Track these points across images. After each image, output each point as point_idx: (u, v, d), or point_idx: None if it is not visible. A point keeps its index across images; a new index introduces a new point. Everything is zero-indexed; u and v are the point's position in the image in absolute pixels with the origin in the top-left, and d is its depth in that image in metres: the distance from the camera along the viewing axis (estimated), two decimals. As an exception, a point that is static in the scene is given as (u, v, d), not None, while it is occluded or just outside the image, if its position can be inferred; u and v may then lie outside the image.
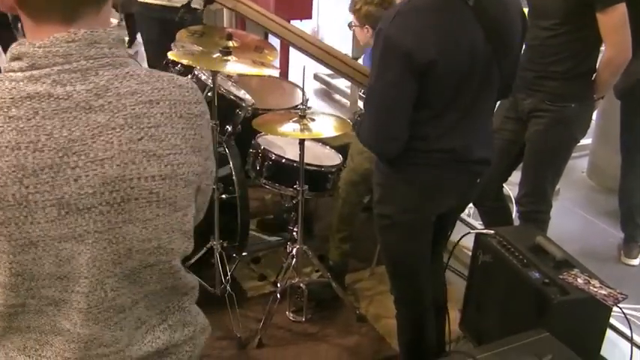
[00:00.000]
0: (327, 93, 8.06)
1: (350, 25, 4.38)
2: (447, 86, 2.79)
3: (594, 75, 3.95)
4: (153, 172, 1.50)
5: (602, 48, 3.93)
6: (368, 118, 2.90)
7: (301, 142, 3.94)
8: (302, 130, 3.84)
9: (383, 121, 2.85)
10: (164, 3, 5.79)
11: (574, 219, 5.69)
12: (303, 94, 4.15)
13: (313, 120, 3.92)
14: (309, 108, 4.00)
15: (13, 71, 1.44)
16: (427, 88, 2.75)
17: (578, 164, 6.39)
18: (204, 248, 4.20)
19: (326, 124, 3.98)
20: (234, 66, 3.82)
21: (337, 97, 7.99)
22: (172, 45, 4.63)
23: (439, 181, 3.03)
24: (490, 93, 2.99)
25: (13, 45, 1.48)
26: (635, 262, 5.13)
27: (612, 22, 3.73)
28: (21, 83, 1.43)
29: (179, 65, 4.36)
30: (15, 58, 1.46)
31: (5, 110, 1.41)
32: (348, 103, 7.40)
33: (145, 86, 1.51)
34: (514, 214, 4.50)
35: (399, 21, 2.70)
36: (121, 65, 1.50)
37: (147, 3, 5.89)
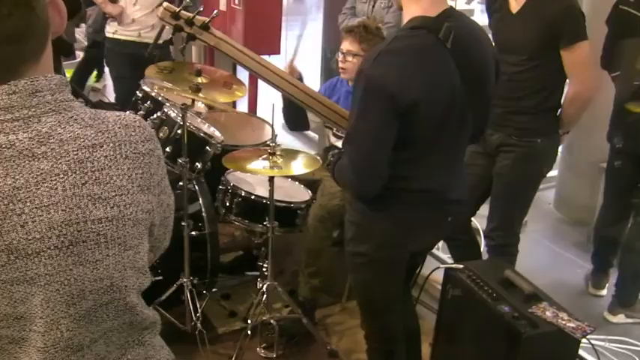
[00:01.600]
0: (295, 127, 8.07)
1: (333, 60, 4.40)
2: (428, 127, 2.81)
3: (559, 110, 4.01)
4: (99, 215, 1.51)
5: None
6: (348, 157, 2.89)
7: (271, 179, 3.95)
8: (272, 168, 3.85)
9: (363, 161, 2.85)
10: (134, 39, 5.82)
11: (542, 250, 5.73)
12: (273, 131, 4.16)
13: (283, 157, 3.93)
14: (278, 145, 4.01)
15: None
16: (408, 128, 2.77)
17: (545, 196, 6.44)
18: (175, 285, 4.17)
19: (296, 161, 4.00)
20: (205, 97, 3.87)
21: (306, 132, 8.00)
22: (142, 81, 4.65)
23: (417, 220, 3.05)
24: (465, 135, 3.02)
25: None
26: (603, 292, 5.16)
27: (577, 58, 3.81)
28: None
29: (148, 102, 4.35)
30: None
31: None
32: (317, 137, 7.41)
33: (88, 130, 1.52)
34: (482, 248, 4.54)
35: (381, 61, 2.72)
36: (64, 110, 1.51)
37: (116, 39, 5.92)
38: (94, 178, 1.50)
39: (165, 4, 3.43)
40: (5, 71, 1.47)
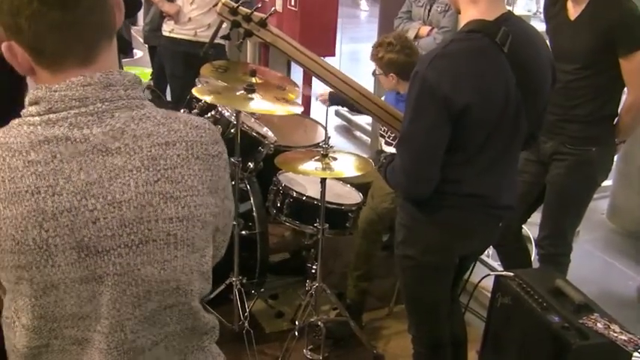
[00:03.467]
0: (348, 130, 8.10)
1: (374, 73, 4.41)
2: (481, 131, 2.80)
3: (616, 119, 3.96)
4: (170, 214, 1.50)
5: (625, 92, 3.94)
6: (401, 160, 2.90)
7: (322, 180, 3.95)
8: (324, 169, 3.85)
9: (416, 164, 2.85)
10: (189, 38, 5.86)
11: (593, 261, 5.66)
12: (326, 134, 4.16)
13: (335, 159, 3.93)
14: (331, 147, 4.01)
15: (32, 115, 1.46)
16: (461, 132, 2.76)
17: (599, 206, 6.35)
18: (224, 284, 4.19)
19: (348, 163, 3.99)
20: (258, 104, 3.85)
21: (358, 134, 8.03)
22: (197, 80, 4.68)
23: (466, 225, 3.04)
24: (518, 140, 3.00)
25: (31, 90, 1.49)
26: None
27: (635, 67, 3.75)
28: (39, 127, 1.44)
29: (203, 100, 4.39)
30: (32, 102, 1.47)
31: (24, 154, 1.42)
32: (369, 140, 7.43)
33: (161, 128, 1.52)
34: (533, 256, 4.49)
35: (436, 65, 2.71)
36: (137, 107, 1.52)
37: (172, 37, 5.97)
38: (166, 175, 1.50)
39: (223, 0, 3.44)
40: (89, 49, 1.48)
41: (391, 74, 4.27)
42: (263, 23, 3.30)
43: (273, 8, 3.59)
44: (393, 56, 4.23)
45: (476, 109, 2.70)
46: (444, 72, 2.70)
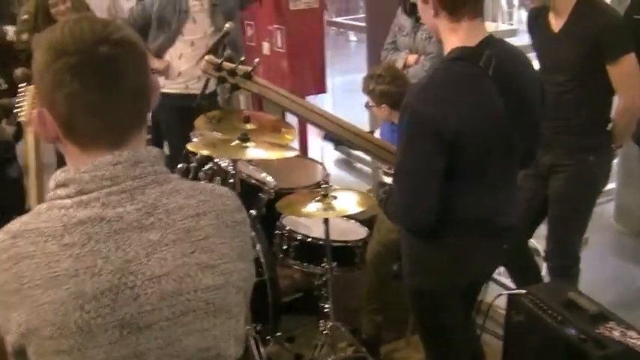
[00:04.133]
0: (348, 162, 8.11)
1: (367, 106, 4.44)
2: (475, 156, 2.82)
3: (610, 125, 3.97)
4: (208, 283, 1.53)
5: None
6: (398, 193, 2.92)
7: (326, 220, 3.96)
8: (325, 210, 3.87)
9: (413, 196, 2.87)
10: (181, 91, 5.88)
11: (606, 266, 5.63)
12: (324, 172, 4.19)
13: (336, 197, 3.94)
14: (330, 186, 4.03)
15: (61, 198, 1.49)
16: (456, 159, 2.78)
17: (606, 210, 6.33)
18: (238, 334, 4.17)
19: (349, 200, 4.00)
20: (254, 152, 3.87)
21: (359, 165, 8.03)
22: (191, 134, 4.70)
23: (470, 250, 3.04)
24: (514, 161, 3.03)
25: (57, 172, 1.52)
26: None
27: (623, 72, 3.79)
28: (71, 210, 1.47)
29: (198, 154, 4.41)
30: (60, 185, 1.50)
31: (59, 238, 1.44)
32: (370, 170, 7.44)
33: (191, 200, 1.56)
34: (543, 270, 4.49)
35: (425, 95, 2.75)
36: (165, 182, 1.55)
37: (164, 93, 5.97)
38: (201, 246, 1.53)
39: (207, 56, 3.49)
40: (117, 135, 1.52)
41: (383, 105, 4.29)
42: (248, 76, 3.34)
43: (256, 60, 3.62)
44: (384, 88, 4.25)
45: (467, 135, 2.73)
46: (432, 102, 2.73)
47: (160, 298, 1.48)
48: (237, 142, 3.88)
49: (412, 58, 5.07)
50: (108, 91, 1.47)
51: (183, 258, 1.51)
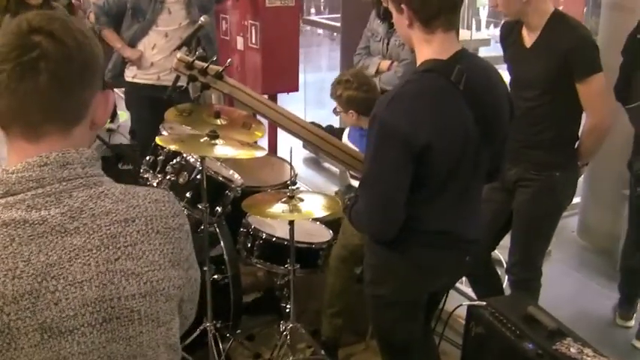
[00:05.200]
0: (316, 161, 8.10)
1: (335, 111, 4.44)
2: (442, 169, 2.82)
3: (577, 142, 4.00)
4: (132, 291, 1.51)
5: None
6: (364, 201, 2.91)
7: (291, 222, 3.96)
8: (291, 211, 3.85)
9: (379, 205, 2.87)
10: (153, 82, 5.85)
11: (567, 279, 5.67)
12: (292, 174, 4.17)
13: (302, 200, 3.93)
14: (297, 188, 4.02)
15: None
16: (423, 171, 2.78)
17: (569, 223, 6.37)
18: (198, 330, 4.17)
19: (315, 203, 3.99)
20: (222, 149, 3.86)
21: (326, 165, 8.03)
22: (161, 126, 4.68)
23: (434, 262, 3.05)
24: (480, 175, 3.03)
25: None
26: (631, 323, 5.06)
27: (592, 90, 3.81)
28: None
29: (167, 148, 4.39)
30: None
31: None
32: (338, 171, 7.45)
33: (119, 205, 1.53)
34: (505, 282, 4.52)
35: (394, 106, 2.74)
36: (95, 185, 1.53)
37: (136, 83, 5.95)
38: (126, 253, 1.51)
39: (178, 54, 3.47)
40: (30, 127, 1.50)
41: (351, 111, 4.29)
42: (219, 75, 3.33)
43: (229, 60, 3.61)
44: (352, 93, 4.25)
45: (436, 148, 2.73)
46: (402, 113, 2.73)
47: (83, 304, 1.47)
48: (205, 139, 3.85)
49: (385, 64, 5.06)
50: (23, 79, 1.45)
51: (107, 264, 1.49)
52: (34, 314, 1.43)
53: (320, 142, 3.42)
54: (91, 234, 1.49)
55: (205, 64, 3.35)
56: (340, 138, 4.26)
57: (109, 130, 8.38)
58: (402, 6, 2.80)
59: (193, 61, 3.35)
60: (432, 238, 2.98)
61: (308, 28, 12.86)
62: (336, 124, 5.99)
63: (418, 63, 2.89)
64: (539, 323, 3.23)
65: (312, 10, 15.24)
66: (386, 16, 4.92)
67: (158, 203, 1.60)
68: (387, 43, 5.05)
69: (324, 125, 5.06)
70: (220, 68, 3.38)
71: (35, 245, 1.45)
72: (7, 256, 1.42)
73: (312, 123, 4.68)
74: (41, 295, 1.43)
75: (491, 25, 13.87)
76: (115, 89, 8.31)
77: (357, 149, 3.68)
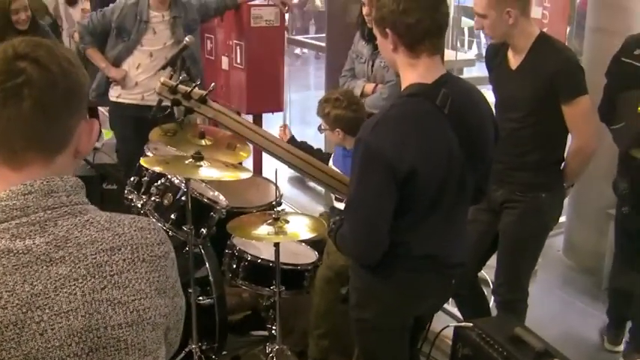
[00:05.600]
0: (301, 181, 8.07)
1: (320, 129, 4.43)
2: (427, 193, 2.81)
3: (563, 164, 4.01)
4: (119, 320, 1.50)
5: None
6: (348, 226, 2.91)
7: (276, 244, 3.93)
8: (277, 233, 3.83)
9: (364, 230, 2.86)
10: (137, 102, 5.84)
11: (553, 299, 5.66)
12: (277, 195, 4.16)
13: (287, 222, 3.91)
14: (282, 210, 4.00)
15: None
16: (408, 196, 2.77)
17: (554, 243, 6.35)
18: (183, 352, 4.14)
19: (301, 225, 3.98)
20: (207, 171, 3.84)
21: (312, 184, 8.00)
22: (145, 147, 4.65)
23: (420, 285, 3.04)
24: (465, 198, 3.03)
25: None
26: (620, 348, 5.00)
27: (577, 113, 3.81)
28: None
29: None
30: None
31: None
32: (323, 191, 7.43)
33: (105, 233, 1.52)
34: (491, 302, 4.51)
35: (379, 130, 2.74)
36: (80, 213, 1.52)
37: (120, 102, 5.94)
38: (112, 282, 1.50)
39: (162, 78, 3.46)
40: (10, 152, 1.49)
41: (337, 130, 4.29)
42: (203, 99, 3.32)
43: (213, 84, 3.60)
44: (340, 112, 4.25)
45: (421, 172, 2.72)
46: (387, 138, 2.72)
47: (69, 334, 1.45)
48: (190, 161, 3.84)
49: (369, 87, 5.05)
50: (6, 105, 1.45)
51: (93, 294, 1.48)
52: (19, 345, 1.41)
53: (304, 165, 3.41)
54: (76, 263, 1.48)
55: (189, 89, 3.34)
56: (327, 163, 4.26)
57: (94, 149, 8.34)
58: (387, 30, 2.80)
59: (177, 85, 3.34)
60: (416, 262, 2.97)
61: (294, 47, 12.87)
62: (321, 143, 5.98)
63: (403, 87, 2.89)
64: (526, 344, 3.21)
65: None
66: (370, 38, 4.93)
67: (143, 231, 1.59)
68: (372, 65, 5.05)
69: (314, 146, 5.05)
70: (204, 92, 3.37)
71: (20, 275, 1.43)
72: None
73: (303, 142, 4.69)
74: (26, 325, 1.42)
75: (473, 44, 13.97)
76: (100, 108, 8.33)
77: (340, 172, 3.68)
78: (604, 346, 5.08)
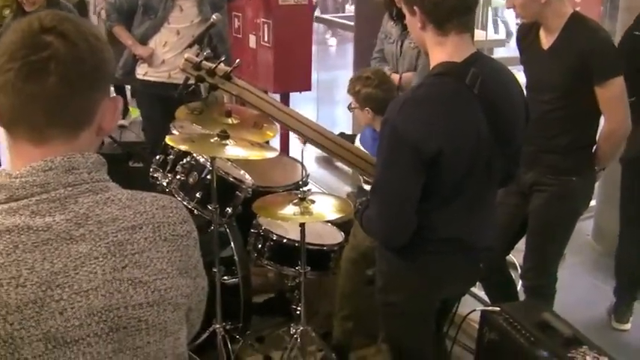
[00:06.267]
0: (329, 160, 8.04)
1: (350, 107, 4.39)
2: (454, 175, 2.77)
3: (595, 147, 3.94)
4: (140, 300, 1.48)
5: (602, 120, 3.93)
6: (375, 208, 2.88)
7: (302, 225, 3.91)
8: (302, 214, 3.80)
9: (390, 212, 2.83)
10: (163, 80, 5.82)
11: (581, 284, 5.60)
12: (303, 175, 4.13)
13: (314, 202, 3.88)
14: (308, 190, 3.97)
15: None
16: (434, 178, 2.74)
17: (583, 227, 6.27)
18: (207, 331, 4.14)
19: (327, 205, 3.95)
20: (233, 150, 3.82)
21: (339, 164, 7.98)
22: (171, 125, 4.64)
23: (446, 269, 3.01)
24: (493, 181, 2.98)
25: None
26: (627, 326, 5.02)
27: (611, 95, 3.74)
28: (0, 217, 1.41)
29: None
30: None
31: None
32: (350, 171, 7.40)
33: (126, 211, 1.50)
34: (519, 286, 4.46)
35: (406, 111, 2.70)
36: (101, 190, 1.50)
37: (146, 80, 5.93)
38: (134, 261, 1.48)
39: (186, 55, 3.43)
40: (36, 130, 1.47)
41: (367, 109, 4.24)
42: (228, 76, 3.29)
43: (237, 60, 3.57)
44: (371, 91, 4.20)
45: (448, 153, 2.68)
46: (414, 118, 2.68)
47: (89, 314, 1.43)
48: (216, 139, 3.81)
49: (395, 77, 4.98)
50: (30, 79, 1.43)
51: (113, 273, 1.45)
52: (39, 324, 1.39)
53: (332, 145, 3.37)
54: (97, 241, 1.45)
55: (213, 65, 3.30)
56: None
57: (121, 127, 8.38)
58: (415, 8, 2.76)
59: (201, 61, 3.31)
60: (443, 245, 2.93)
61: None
62: (348, 124, 5.94)
63: (431, 66, 2.84)
64: (554, 330, 3.18)
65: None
66: (399, 18, 4.86)
67: (165, 210, 1.57)
68: (401, 45, 4.99)
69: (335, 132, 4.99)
70: (229, 69, 3.34)
71: (39, 252, 1.41)
72: (11, 264, 1.39)
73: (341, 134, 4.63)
74: (45, 304, 1.40)
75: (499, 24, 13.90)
76: (126, 86, 8.35)
77: (368, 153, 3.63)
78: (611, 324, 5.07)
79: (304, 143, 4.36)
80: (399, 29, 4.98)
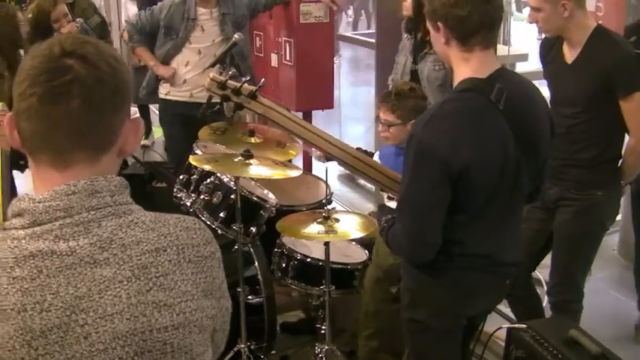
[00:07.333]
0: (351, 178, 8.04)
1: (384, 123, 4.15)
2: (481, 191, 2.77)
3: (620, 161, 3.91)
4: (165, 323, 1.47)
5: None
6: (401, 224, 2.87)
7: (326, 244, 3.90)
8: (327, 232, 3.79)
9: (417, 228, 2.82)
10: (185, 99, 5.85)
11: (607, 300, 5.55)
12: (327, 193, 4.11)
13: (338, 220, 3.87)
14: (332, 209, 3.96)
15: (15, 228, 1.43)
16: (461, 193, 2.73)
17: (610, 241, 6.22)
18: (232, 351, 4.13)
19: (351, 223, 3.93)
20: (257, 169, 3.83)
21: (362, 182, 7.96)
22: (194, 145, 4.65)
23: (473, 286, 2.99)
24: (520, 196, 2.97)
25: (14, 201, 1.47)
26: None
27: (635, 107, 3.72)
28: (23, 241, 1.41)
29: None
30: (16, 214, 1.45)
31: (9, 271, 1.39)
32: (373, 188, 7.38)
33: (150, 234, 1.49)
34: (545, 302, 4.43)
35: (431, 126, 2.70)
36: (124, 213, 1.49)
37: (169, 99, 5.96)
38: (158, 284, 1.47)
39: (211, 74, 3.44)
40: (58, 154, 1.47)
41: (413, 121, 4.00)
42: (253, 95, 3.29)
43: (262, 80, 3.58)
44: (418, 102, 4.09)
45: (475, 169, 2.67)
46: (440, 134, 2.68)
47: (113, 338, 1.42)
48: (240, 158, 3.81)
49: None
50: (54, 103, 1.43)
51: (138, 296, 1.45)
52: (63, 348, 1.39)
53: (355, 162, 3.37)
54: (121, 265, 1.45)
55: (239, 84, 3.31)
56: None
57: (144, 147, 8.40)
58: (439, 24, 2.76)
59: (226, 80, 3.32)
60: (470, 261, 2.92)
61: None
62: (369, 141, 5.90)
63: (456, 82, 2.84)
64: (581, 347, 3.15)
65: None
66: (409, 29, 4.85)
67: (189, 231, 1.56)
68: (412, 61, 4.98)
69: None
70: (254, 88, 3.34)
71: (64, 277, 1.41)
72: (35, 289, 1.39)
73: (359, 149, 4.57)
74: (70, 328, 1.39)
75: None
76: (150, 105, 8.38)
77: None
78: (637, 338, 5.00)
79: (325, 161, 4.34)
80: (411, 43, 4.98)
